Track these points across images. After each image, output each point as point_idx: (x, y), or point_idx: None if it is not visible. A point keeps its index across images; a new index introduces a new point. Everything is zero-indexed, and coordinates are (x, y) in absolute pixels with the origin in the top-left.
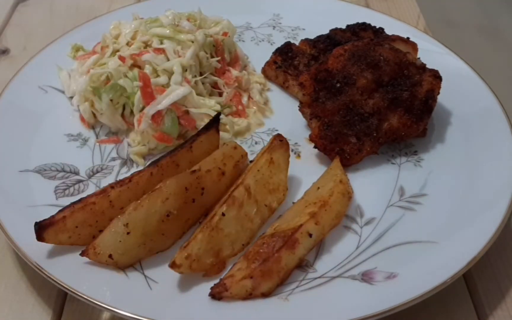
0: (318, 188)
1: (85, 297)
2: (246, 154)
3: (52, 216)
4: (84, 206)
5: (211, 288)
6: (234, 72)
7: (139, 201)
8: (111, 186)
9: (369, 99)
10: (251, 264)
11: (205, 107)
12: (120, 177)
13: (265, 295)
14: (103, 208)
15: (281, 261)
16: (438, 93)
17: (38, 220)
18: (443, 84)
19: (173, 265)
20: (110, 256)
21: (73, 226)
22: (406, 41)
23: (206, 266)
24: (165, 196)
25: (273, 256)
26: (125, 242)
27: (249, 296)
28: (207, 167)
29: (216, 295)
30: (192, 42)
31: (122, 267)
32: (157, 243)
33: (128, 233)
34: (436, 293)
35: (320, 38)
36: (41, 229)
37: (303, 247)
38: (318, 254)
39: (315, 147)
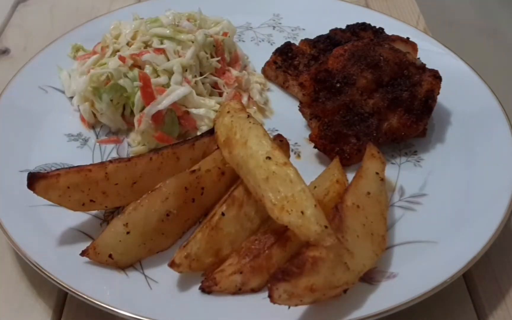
0: (315, 187)
1: (85, 297)
2: None
3: (47, 172)
4: (79, 171)
5: (202, 282)
6: (234, 72)
7: (138, 201)
8: (110, 161)
9: (369, 99)
10: (242, 260)
11: (205, 107)
12: None
13: (255, 291)
14: (97, 178)
15: (272, 258)
16: (438, 93)
17: (38, 220)
18: (443, 84)
19: (172, 264)
20: (110, 256)
21: (65, 186)
22: (406, 41)
23: (206, 265)
24: (165, 195)
25: (264, 252)
26: (125, 241)
27: (238, 291)
28: (207, 167)
29: (206, 288)
30: (192, 42)
31: (123, 267)
32: (157, 243)
33: (128, 232)
34: (436, 293)
35: (320, 38)
36: (33, 179)
37: (295, 245)
38: None
39: (315, 147)
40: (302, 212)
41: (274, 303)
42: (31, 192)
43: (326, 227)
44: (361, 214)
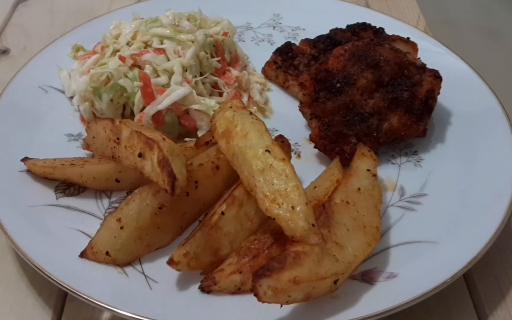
0: (315, 187)
1: (85, 297)
2: None
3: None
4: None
5: (201, 281)
6: (234, 72)
7: (130, 196)
8: None
9: (369, 99)
10: (241, 260)
11: (206, 107)
12: None
13: None
14: None
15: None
16: (438, 93)
17: (38, 220)
18: (443, 84)
19: (171, 262)
20: (107, 253)
21: None
22: (406, 41)
23: (204, 264)
24: (156, 188)
25: (264, 252)
26: (120, 237)
27: (237, 291)
28: (199, 161)
29: (205, 288)
30: (192, 42)
31: (122, 265)
32: (154, 238)
33: (121, 227)
34: (436, 293)
35: (320, 38)
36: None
37: None
38: None
39: (315, 147)
40: (292, 207)
41: (261, 301)
42: (31, 192)
43: (313, 225)
44: (351, 209)
